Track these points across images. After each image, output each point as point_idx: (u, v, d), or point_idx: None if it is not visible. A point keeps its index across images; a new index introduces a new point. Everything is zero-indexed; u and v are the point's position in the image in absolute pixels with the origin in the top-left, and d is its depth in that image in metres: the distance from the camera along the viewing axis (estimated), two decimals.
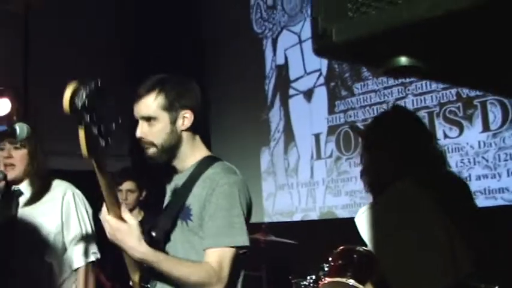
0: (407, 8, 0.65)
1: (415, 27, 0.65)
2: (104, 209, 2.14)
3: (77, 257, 3.09)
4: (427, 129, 2.72)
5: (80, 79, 1.71)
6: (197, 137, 2.45)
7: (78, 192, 3.21)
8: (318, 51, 0.74)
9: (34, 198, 3.08)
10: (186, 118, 2.38)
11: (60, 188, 3.15)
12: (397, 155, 2.46)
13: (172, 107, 2.36)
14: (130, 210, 4.51)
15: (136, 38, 6.91)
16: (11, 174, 3.04)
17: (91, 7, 6.50)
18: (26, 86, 5.98)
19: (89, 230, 3.15)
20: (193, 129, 2.42)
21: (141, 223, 4.16)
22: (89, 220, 3.17)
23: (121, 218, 2.12)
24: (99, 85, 1.73)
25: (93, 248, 3.16)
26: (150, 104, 2.34)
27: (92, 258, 3.13)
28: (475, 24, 0.64)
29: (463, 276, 2.11)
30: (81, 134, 1.74)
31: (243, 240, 2.26)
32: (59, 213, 3.08)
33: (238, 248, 2.25)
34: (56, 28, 6.23)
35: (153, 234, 2.32)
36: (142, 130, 2.35)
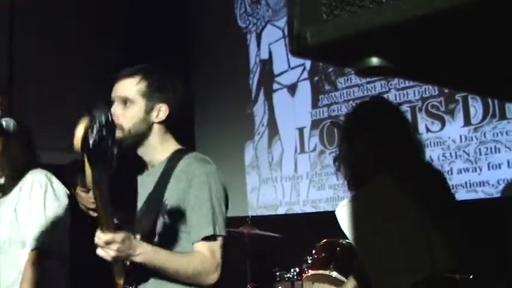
0: (378, 11, 0.68)
1: (384, 30, 0.68)
2: (99, 236, 2.02)
3: (25, 241, 2.99)
4: (407, 120, 2.71)
5: (91, 115, 1.68)
6: (168, 132, 2.45)
7: (40, 177, 3.07)
8: (294, 53, 0.77)
9: (5, 189, 3.08)
10: (161, 111, 2.39)
11: (28, 177, 3.08)
12: (376, 145, 2.45)
13: (150, 97, 2.36)
14: None
15: (125, 34, 6.89)
16: None
17: (80, 5, 6.47)
18: (10, 80, 5.96)
19: (38, 216, 2.99)
20: (166, 123, 2.42)
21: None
22: (44, 207, 3.02)
23: (113, 230, 2.03)
24: (109, 118, 1.71)
25: (36, 235, 2.97)
26: (131, 86, 2.35)
27: (33, 245, 2.96)
28: (441, 27, 0.68)
29: (439, 269, 2.15)
30: (88, 170, 1.72)
31: (223, 229, 2.30)
32: (14, 201, 3.03)
33: (223, 236, 2.30)
34: (42, 23, 6.20)
35: (137, 234, 2.30)
36: (115, 111, 2.32)
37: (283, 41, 6.24)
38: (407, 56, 0.76)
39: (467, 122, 4.74)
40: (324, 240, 4.09)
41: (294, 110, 6.09)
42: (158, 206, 2.32)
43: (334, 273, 3.77)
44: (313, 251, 4.11)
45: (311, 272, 3.94)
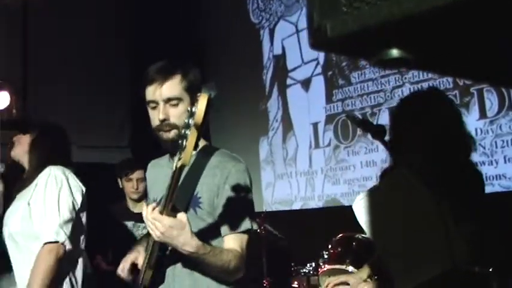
0: (397, 2, 0.68)
1: (404, 21, 0.68)
2: (148, 209, 2.13)
3: (39, 236, 3.00)
4: (459, 114, 2.69)
5: (208, 91, 1.87)
6: None
7: (57, 173, 3.09)
8: (314, 45, 0.77)
9: (24, 183, 3.14)
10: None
11: (45, 172, 3.09)
12: (431, 131, 2.42)
13: (193, 90, 2.35)
14: (141, 199, 4.56)
15: (136, 27, 6.92)
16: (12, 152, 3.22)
17: (91, 4, 6.51)
18: (25, 79, 6.01)
19: (52, 210, 3.01)
20: None
21: None
22: (57, 202, 3.02)
23: (172, 215, 2.10)
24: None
25: (53, 229, 2.98)
26: (176, 86, 2.35)
27: (46, 239, 2.97)
28: (461, 17, 0.68)
29: (458, 261, 2.14)
30: (191, 147, 1.87)
31: (255, 225, 2.38)
32: (29, 195, 3.06)
33: (251, 232, 2.37)
34: (55, 23, 6.24)
35: None
36: (165, 112, 2.34)
37: (296, 36, 6.23)
38: (427, 47, 0.76)
39: (482, 114, 4.71)
40: (340, 235, 4.09)
41: (308, 105, 6.09)
42: (188, 199, 2.34)
43: (351, 268, 3.76)
44: (329, 246, 4.11)
45: (327, 266, 3.93)
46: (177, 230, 2.09)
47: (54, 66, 6.07)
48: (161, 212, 2.09)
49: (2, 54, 5.63)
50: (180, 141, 1.92)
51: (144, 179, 4.55)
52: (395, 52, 0.73)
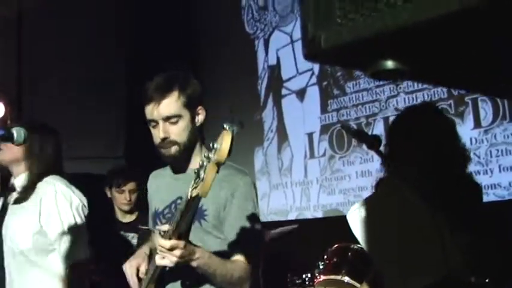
0: (392, 14, 0.69)
1: (399, 33, 0.68)
2: (159, 237, 2.12)
3: (63, 255, 3.02)
4: (454, 128, 2.70)
5: (231, 127, 1.87)
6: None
7: (63, 188, 3.08)
8: (308, 57, 0.77)
9: (22, 194, 3.08)
10: (200, 114, 2.43)
11: (47, 187, 3.07)
12: (428, 147, 2.42)
13: (192, 105, 2.37)
14: (132, 211, 4.53)
15: (134, 40, 6.92)
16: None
17: (89, 8, 6.49)
18: (19, 90, 5.99)
19: (74, 228, 3.04)
20: (201, 125, 2.45)
21: (138, 222, 4.15)
22: (73, 216, 3.05)
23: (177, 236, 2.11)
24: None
25: (81, 246, 3.05)
26: (174, 103, 2.34)
27: (80, 256, 3.04)
28: (455, 29, 0.68)
29: (453, 271, 2.14)
30: (211, 178, 1.86)
31: (261, 238, 2.51)
32: (37, 212, 3.02)
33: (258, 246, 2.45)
34: (51, 30, 6.23)
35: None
36: (165, 130, 2.33)
37: (291, 46, 6.24)
38: (421, 58, 0.76)
39: (477, 124, 4.72)
40: (336, 245, 4.08)
41: (303, 115, 6.08)
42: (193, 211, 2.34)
43: (346, 278, 3.75)
44: (325, 256, 4.09)
45: (323, 277, 3.92)
46: (190, 246, 2.11)
47: (49, 67, 6.05)
48: (170, 238, 2.08)
49: None
50: (198, 171, 1.90)
51: (136, 190, 4.53)
52: (389, 63, 0.73)
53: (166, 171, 2.57)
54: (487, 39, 0.75)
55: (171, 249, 2.06)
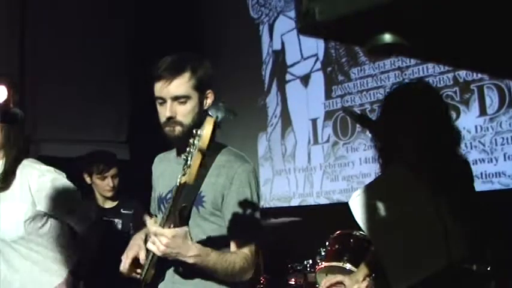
0: None
1: (397, 4, 0.64)
2: (150, 223, 2.14)
3: (78, 220, 3.06)
4: (447, 108, 2.66)
5: (215, 114, 1.86)
6: None
7: (45, 167, 3.00)
8: (302, 30, 0.73)
9: (4, 183, 2.93)
10: (209, 98, 2.41)
11: (28, 169, 2.95)
12: (422, 120, 2.37)
13: (202, 87, 2.36)
14: (114, 196, 4.47)
15: (138, 24, 6.89)
16: None
17: None
18: (22, 73, 5.96)
19: (74, 193, 3.04)
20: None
21: (120, 207, 4.14)
22: (70, 185, 3.00)
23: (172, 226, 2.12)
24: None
25: (90, 208, 3.10)
26: (184, 84, 2.32)
27: (92, 217, 3.13)
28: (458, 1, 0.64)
29: (455, 259, 2.12)
30: (197, 167, 1.85)
31: (261, 226, 2.41)
32: (29, 198, 2.90)
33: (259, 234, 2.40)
34: (54, 15, 6.19)
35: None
36: (172, 109, 2.32)
37: (296, 31, 6.17)
38: (421, 32, 0.72)
39: (482, 112, 4.67)
40: (338, 232, 4.05)
41: (307, 101, 6.05)
42: (192, 197, 2.32)
43: (348, 265, 3.72)
44: (327, 243, 4.07)
45: (324, 264, 3.90)
46: (181, 238, 2.09)
47: (51, 59, 6.02)
48: (162, 226, 2.10)
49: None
50: (185, 156, 1.90)
51: (117, 175, 4.47)
52: (387, 37, 0.69)
53: (171, 154, 2.56)
54: (493, 13, 0.71)
55: (158, 236, 2.07)
